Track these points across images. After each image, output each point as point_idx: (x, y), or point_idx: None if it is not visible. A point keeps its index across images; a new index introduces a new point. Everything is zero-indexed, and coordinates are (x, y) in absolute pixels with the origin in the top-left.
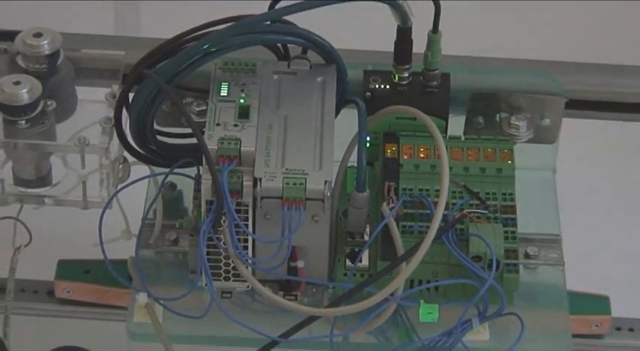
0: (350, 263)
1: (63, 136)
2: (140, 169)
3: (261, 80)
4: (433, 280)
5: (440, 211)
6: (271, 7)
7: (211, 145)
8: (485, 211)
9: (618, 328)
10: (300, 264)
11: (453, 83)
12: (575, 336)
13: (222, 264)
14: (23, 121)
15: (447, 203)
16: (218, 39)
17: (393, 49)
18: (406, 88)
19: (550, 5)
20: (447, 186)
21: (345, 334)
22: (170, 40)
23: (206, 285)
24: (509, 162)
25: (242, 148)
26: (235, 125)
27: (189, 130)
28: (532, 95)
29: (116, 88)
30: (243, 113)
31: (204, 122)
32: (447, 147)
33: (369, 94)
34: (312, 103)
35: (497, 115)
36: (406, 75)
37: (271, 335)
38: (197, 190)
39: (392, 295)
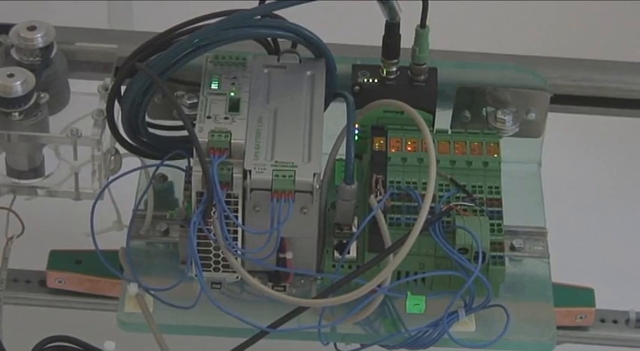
0: (338, 255)
1: (56, 127)
2: (131, 161)
3: (251, 74)
4: (420, 271)
5: (427, 204)
6: (262, 1)
7: (202, 137)
8: (472, 204)
9: (602, 320)
10: (288, 255)
11: (441, 77)
12: (559, 328)
13: (212, 255)
14: (17, 113)
15: (434, 196)
16: (209, 33)
17: (381, 44)
18: (394, 82)
19: (536, 1)
20: (434, 179)
21: (333, 324)
22: (162, 34)
23: (196, 275)
24: (496, 155)
25: (232, 141)
26: (226, 118)
27: (180, 123)
28: (518, 90)
29: (109, 80)
30: (234, 106)
31: (195, 115)
32: (434, 140)
33: (357, 87)
34: (302, 97)
35: (484, 109)
36: (394, 69)
37: (260, 325)
38: (188, 181)
39: (379, 286)
